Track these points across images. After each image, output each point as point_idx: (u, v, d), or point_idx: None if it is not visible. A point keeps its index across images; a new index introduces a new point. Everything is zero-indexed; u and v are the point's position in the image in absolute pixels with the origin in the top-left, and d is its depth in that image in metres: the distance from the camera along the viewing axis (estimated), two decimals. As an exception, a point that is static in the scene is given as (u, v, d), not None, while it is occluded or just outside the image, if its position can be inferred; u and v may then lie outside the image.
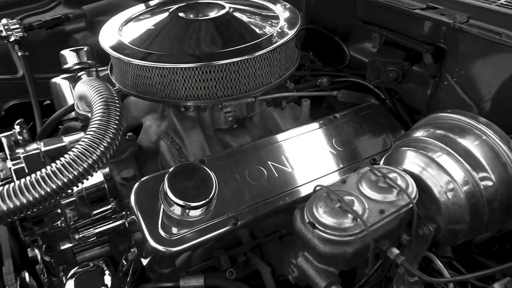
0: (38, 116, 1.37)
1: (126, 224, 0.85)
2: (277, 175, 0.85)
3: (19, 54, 1.45)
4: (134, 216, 0.75)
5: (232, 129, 1.03)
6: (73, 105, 1.01)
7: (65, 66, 1.20)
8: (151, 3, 1.16)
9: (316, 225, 0.63)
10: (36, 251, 0.81)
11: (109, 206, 0.83)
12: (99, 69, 1.21)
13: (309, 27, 1.36)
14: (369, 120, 1.01)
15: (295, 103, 1.10)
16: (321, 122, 0.98)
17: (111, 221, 0.86)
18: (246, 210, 0.79)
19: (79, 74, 1.10)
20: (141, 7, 1.15)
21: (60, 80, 1.18)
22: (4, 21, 1.45)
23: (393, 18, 1.02)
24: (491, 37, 0.82)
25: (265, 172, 0.85)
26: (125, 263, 0.86)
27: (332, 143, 0.94)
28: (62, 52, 1.21)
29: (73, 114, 1.16)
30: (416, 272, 0.63)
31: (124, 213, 0.86)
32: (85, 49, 1.22)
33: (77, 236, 0.81)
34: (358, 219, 0.63)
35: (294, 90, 1.02)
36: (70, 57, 1.20)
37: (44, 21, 1.53)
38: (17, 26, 1.47)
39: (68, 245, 0.83)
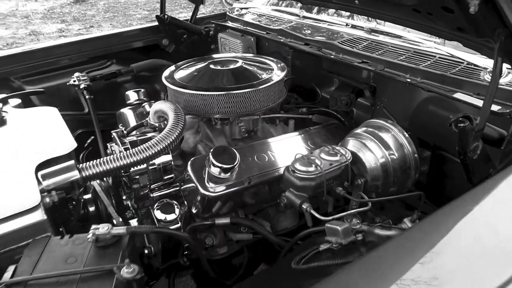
0: (100, 139, 1.90)
1: (180, 189, 1.38)
2: (273, 159, 1.39)
3: (86, 97, 2.01)
4: (190, 177, 1.28)
5: (244, 138, 1.59)
6: (141, 123, 1.55)
7: (129, 101, 1.78)
8: (189, 60, 1.77)
9: (295, 171, 1.17)
10: (129, 202, 1.33)
11: (172, 175, 1.36)
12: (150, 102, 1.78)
13: (294, 77, 1.97)
14: (332, 131, 1.57)
15: (284, 123, 1.68)
16: (301, 132, 1.54)
17: (169, 188, 1.39)
18: (255, 176, 1.32)
19: (143, 105, 1.67)
20: (185, 62, 1.75)
21: (126, 110, 1.74)
22: (77, 74, 2.03)
23: (344, 68, 1.63)
24: (398, 78, 1.42)
25: (266, 157, 1.40)
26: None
27: (307, 144, 1.50)
28: (127, 92, 1.79)
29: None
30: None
31: (178, 184, 1.39)
32: (142, 90, 1.81)
33: (151, 195, 1.34)
34: (318, 167, 1.17)
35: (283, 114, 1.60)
36: (132, 95, 1.79)
37: (103, 75, 2.11)
38: (85, 77, 2.04)
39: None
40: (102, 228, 0.86)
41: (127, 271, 0.77)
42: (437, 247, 0.68)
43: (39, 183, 1.03)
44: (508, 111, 1.12)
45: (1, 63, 1.99)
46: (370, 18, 1.76)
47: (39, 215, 0.93)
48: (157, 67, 2.16)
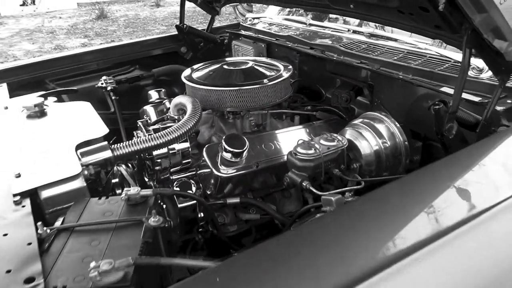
0: (124, 136, 2.10)
1: (196, 173, 1.55)
2: (278, 147, 1.56)
3: (112, 98, 2.23)
4: (205, 162, 1.46)
5: (253, 132, 1.76)
6: (163, 117, 1.74)
7: (151, 100, 1.98)
8: (205, 62, 1.96)
9: (296, 153, 1.34)
10: (151, 183, 1.51)
11: (189, 160, 1.53)
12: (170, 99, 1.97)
13: (301, 79, 2.14)
14: (333, 125, 1.73)
15: (290, 119, 1.85)
16: (305, 125, 1.71)
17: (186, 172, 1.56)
18: (262, 161, 1.49)
19: (163, 102, 1.86)
20: (202, 64, 1.94)
21: (148, 107, 1.93)
22: (104, 77, 2.24)
23: (345, 68, 1.80)
24: (392, 75, 1.58)
25: (272, 145, 1.56)
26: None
27: (310, 135, 1.66)
28: (149, 92, 1.99)
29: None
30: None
31: (194, 169, 1.57)
32: (163, 90, 2.01)
33: (171, 177, 1.52)
34: (317, 150, 1.33)
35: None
36: (154, 94, 1.99)
37: (128, 78, 2.33)
38: (112, 80, 2.25)
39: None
40: (133, 190, 1.04)
41: (154, 220, 0.94)
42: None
43: (79, 159, 1.21)
44: (486, 101, 1.27)
45: (38, 67, 2.23)
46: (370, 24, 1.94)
47: (80, 182, 1.11)
48: (176, 72, 2.36)
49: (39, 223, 0.93)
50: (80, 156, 1.22)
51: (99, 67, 2.38)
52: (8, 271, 0.81)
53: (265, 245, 0.77)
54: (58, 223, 0.98)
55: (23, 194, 1.05)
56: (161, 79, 2.44)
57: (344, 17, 2.17)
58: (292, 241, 0.79)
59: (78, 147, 1.27)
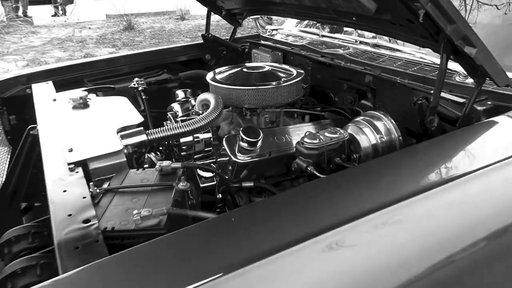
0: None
1: (216, 161, 1.78)
2: (289, 140, 1.77)
3: (143, 97, 2.49)
4: (224, 150, 1.68)
5: (268, 128, 1.98)
6: (189, 113, 1.98)
7: (178, 99, 2.22)
8: (228, 66, 2.21)
9: (303, 143, 1.55)
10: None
11: (210, 149, 1.76)
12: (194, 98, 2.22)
13: (313, 85, 2.36)
14: (338, 124, 1.94)
15: (301, 118, 2.07)
16: (313, 123, 1.92)
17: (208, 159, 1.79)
18: (274, 151, 1.71)
19: (189, 100, 2.11)
20: (224, 68, 2.19)
21: (175, 105, 2.17)
22: (136, 79, 2.52)
23: (351, 74, 2.01)
24: (391, 79, 1.78)
25: (284, 138, 1.78)
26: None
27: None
28: (177, 91, 2.24)
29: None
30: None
31: (214, 157, 1.80)
32: (189, 90, 2.26)
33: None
34: (321, 140, 1.54)
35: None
36: (180, 93, 2.23)
37: (157, 81, 2.60)
38: (143, 82, 2.52)
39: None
40: (165, 163, 1.27)
41: (182, 185, 1.17)
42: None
43: (120, 140, 1.45)
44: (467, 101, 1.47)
45: (78, 68, 2.51)
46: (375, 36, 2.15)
47: (121, 157, 1.35)
48: (200, 76, 2.61)
49: (91, 183, 1.17)
50: (120, 138, 1.46)
51: (132, 70, 2.65)
52: (69, 215, 1.04)
53: (271, 199, 0.98)
54: (105, 185, 1.21)
55: (76, 164, 1.29)
56: (186, 82, 2.69)
57: (358, 30, 2.40)
58: (290, 197, 1.00)
59: (118, 131, 1.52)
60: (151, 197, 1.16)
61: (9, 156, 2.20)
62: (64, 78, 2.45)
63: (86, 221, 1.02)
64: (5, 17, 10.97)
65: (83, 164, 1.30)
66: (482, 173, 1.02)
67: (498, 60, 1.27)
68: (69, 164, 1.28)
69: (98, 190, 1.17)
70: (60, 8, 15.39)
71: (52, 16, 15.23)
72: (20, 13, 14.31)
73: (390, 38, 2.06)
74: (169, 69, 2.73)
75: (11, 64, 7.42)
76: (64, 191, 1.15)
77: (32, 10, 15.61)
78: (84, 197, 1.11)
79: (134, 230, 1.01)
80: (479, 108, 1.41)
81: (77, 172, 1.25)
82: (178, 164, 1.28)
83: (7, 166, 2.09)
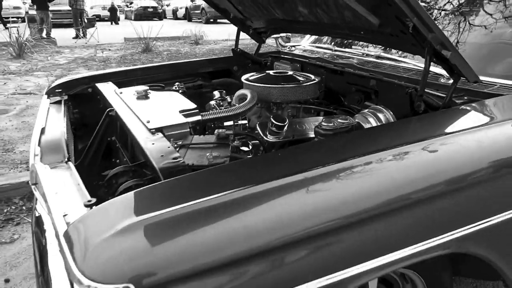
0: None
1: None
2: (308, 127, 2.22)
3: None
4: (258, 132, 2.13)
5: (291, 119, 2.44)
6: (224, 107, 2.44)
7: (214, 98, 2.70)
8: (257, 72, 2.69)
9: (321, 126, 2.00)
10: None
11: (246, 131, 2.22)
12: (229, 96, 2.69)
13: (326, 90, 2.82)
14: (348, 119, 2.39)
15: (317, 114, 2.53)
16: (326, 117, 2.38)
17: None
18: (297, 134, 2.15)
19: (225, 98, 2.58)
20: (254, 73, 2.67)
21: (212, 102, 2.64)
22: (177, 83, 3.00)
23: (358, 79, 2.48)
24: (390, 81, 2.24)
25: (304, 126, 2.23)
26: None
27: (331, 123, 2.32)
28: (214, 92, 2.72)
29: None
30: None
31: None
32: (224, 91, 2.73)
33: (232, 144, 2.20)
34: (335, 123, 1.99)
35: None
36: (217, 93, 2.71)
37: (193, 85, 3.09)
38: (182, 86, 3.01)
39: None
40: (221, 130, 1.72)
41: (236, 143, 1.62)
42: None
43: (184, 117, 1.92)
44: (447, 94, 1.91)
45: (130, 73, 3.01)
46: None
47: (186, 128, 1.81)
48: (229, 84, 3.11)
49: (171, 139, 1.62)
50: (183, 116, 1.93)
51: (172, 76, 3.14)
52: (162, 156, 1.49)
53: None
54: (180, 142, 1.67)
55: (156, 129, 1.75)
56: (217, 88, 3.17)
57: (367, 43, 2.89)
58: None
59: (180, 111, 1.98)
60: (213, 151, 1.61)
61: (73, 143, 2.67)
62: (117, 81, 2.94)
63: (175, 158, 1.46)
64: (31, 37, 11.68)
65: (160, 130, 1.76)
66: (447, 137, 1.47)
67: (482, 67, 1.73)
68: (151, 129, 1.74)
69: (176, 144, 1.62)
70: (81, 31, 16.22)
71: (73, 38, 16.04)
72: (44, 34, 15.12)
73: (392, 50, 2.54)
74: (203, 77, 3.22)
75: (43, 79, 8.01)
76: (153, 143, 1.60)
77: (55, 32, 16.46)
78: (169, 147, 1.57)
79: (207, 166, 1.46)
80: (457, 101, 1.86)
81: (157, 134, 1.71)
82: (230, 131, 1.74)
83: (73, 148, 2.55)
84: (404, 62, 2.34)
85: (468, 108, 1.74)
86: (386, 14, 1.75)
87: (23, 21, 17.85)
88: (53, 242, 1.23)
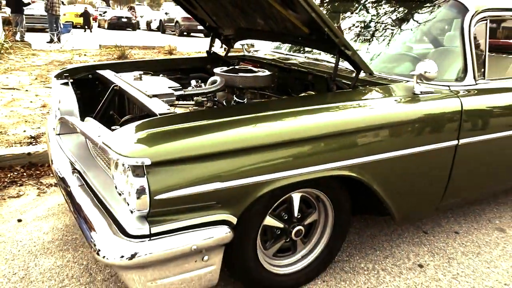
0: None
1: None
2: (261, 106, 3.04)
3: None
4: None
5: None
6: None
7: (192, 85, 3.48)
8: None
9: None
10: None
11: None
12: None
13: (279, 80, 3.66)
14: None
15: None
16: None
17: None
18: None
19: (201, 84, 3.37)
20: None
21: (190, 88, 3.42)
22: (161, 75, 3.77)
23: (300, 74, 3.33)
24: (320, 75, 3.11)
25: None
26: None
27: (278, 105, 3.16)
28: (191, 80, 3.51)
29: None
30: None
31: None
32: (199, 81, 3.52)
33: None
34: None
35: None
36: (193, 82, 3.49)
37: (174, 77, 3.87)
38: (165, 77, 3.79)
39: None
40: (198, 98, 2.52)
41: (200, 99, 2.42)
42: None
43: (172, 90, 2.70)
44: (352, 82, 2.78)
45: (124, 64, 3.76)
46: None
47: (173, 96, 2.59)
48: (203, 78, 3.92)
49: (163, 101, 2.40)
50: (170, 89, 2.70)
51: (157, 69, 3.91)
52: (159, 108, 2.26)
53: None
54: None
55: (154, 95, 2.51)
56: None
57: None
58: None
59: (168, 87, 2.76)
60: (192, 109, 2.40)
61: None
62: (113, 71, 3.68)
63: (168, 109, 2.24)
64: (5, 40, 12.06)
65: (156, 96, 2.53)
66: (349, 103, 2.33)
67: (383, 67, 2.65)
68: (149, 95, 2.51)
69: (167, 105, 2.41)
70: (56, 35, 16.63)
71: (48, 42, 16.44)
72: (17, 37, 15.46)
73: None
74: (182, 72, 4.01)
75: (23, 77, 8.53)
76: (152, 101, 2.38)
77: (28, 36, 16.78)
78: (163, 102, 2.34)
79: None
80: (360, 87, 2.74)
81: (154, 98, 2.47)
82: (204, 99, 2.54)
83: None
84: (328, 62, 3.23)
85: (364, 90, 2.62)
86: (312, 26, 2.61)
87: (-3, 23, 18.04)
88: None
